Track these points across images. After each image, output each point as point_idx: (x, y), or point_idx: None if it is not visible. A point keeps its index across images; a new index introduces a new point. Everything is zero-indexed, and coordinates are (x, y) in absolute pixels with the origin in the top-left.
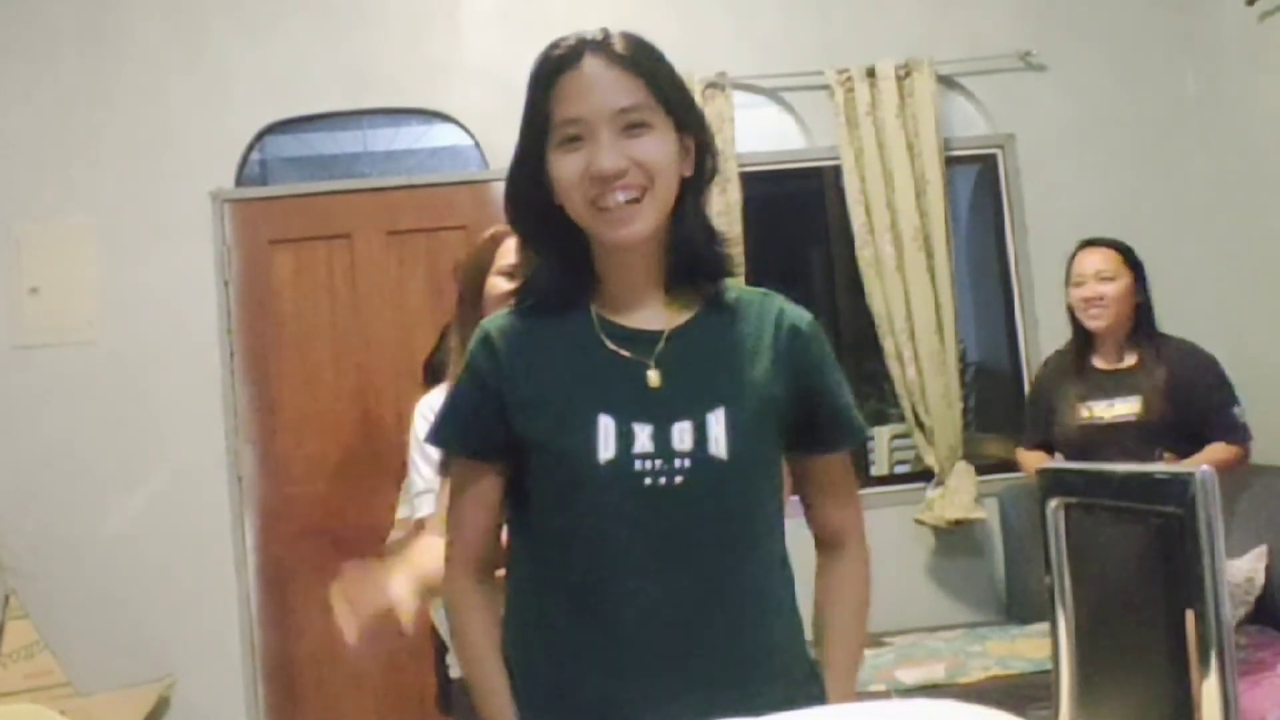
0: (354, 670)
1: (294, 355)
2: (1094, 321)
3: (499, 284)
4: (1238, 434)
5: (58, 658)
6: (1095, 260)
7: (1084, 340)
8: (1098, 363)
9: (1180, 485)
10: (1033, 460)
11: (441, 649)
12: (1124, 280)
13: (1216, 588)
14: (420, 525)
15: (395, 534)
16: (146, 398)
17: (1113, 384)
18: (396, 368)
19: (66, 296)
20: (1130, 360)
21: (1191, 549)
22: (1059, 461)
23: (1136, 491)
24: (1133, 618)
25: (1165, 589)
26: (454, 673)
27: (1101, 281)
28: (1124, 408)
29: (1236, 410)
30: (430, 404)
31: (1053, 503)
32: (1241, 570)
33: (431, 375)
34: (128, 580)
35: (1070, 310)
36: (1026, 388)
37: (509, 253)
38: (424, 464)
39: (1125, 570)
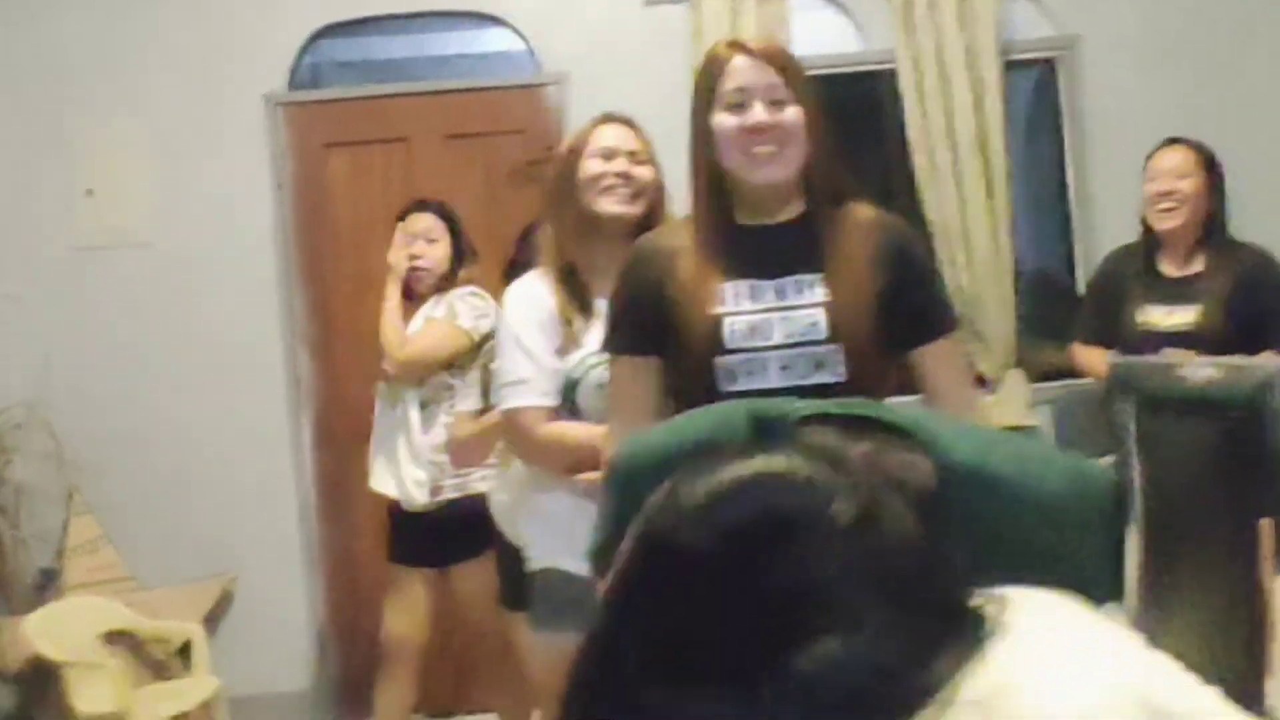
0: None
1: (349, 259)
2: (1164, 220)
3: (591, 166)
4: None
5: (121, 552)
6: (1174, 158)
7: (1153, 242)
8: (1163, 267)
9: (1250, 385)
10: (1094, 358)
11: (508, 548)
12: (1198, 179)
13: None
14: (512, 417)
15: (463, 427)
16: (203, 300)
17: (1174, 291)
18: None
19: (121, 199)
20: (1196, 268)
21: (1263, 450)
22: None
23: (1208, 391)
24: (1202, 518)
25: (1236, 490)
26: (532, 565)
27: (1177, 178)
28: (1181, 317)
29: None
30: (522, 294)
31: (1123, 401)
32: None
33: (516, 270)
34: (188, 477)
35: (1143, 211)
36: (1081, 296)
37: (603, 136)
38: (520, 355)
39: (1196, 470)
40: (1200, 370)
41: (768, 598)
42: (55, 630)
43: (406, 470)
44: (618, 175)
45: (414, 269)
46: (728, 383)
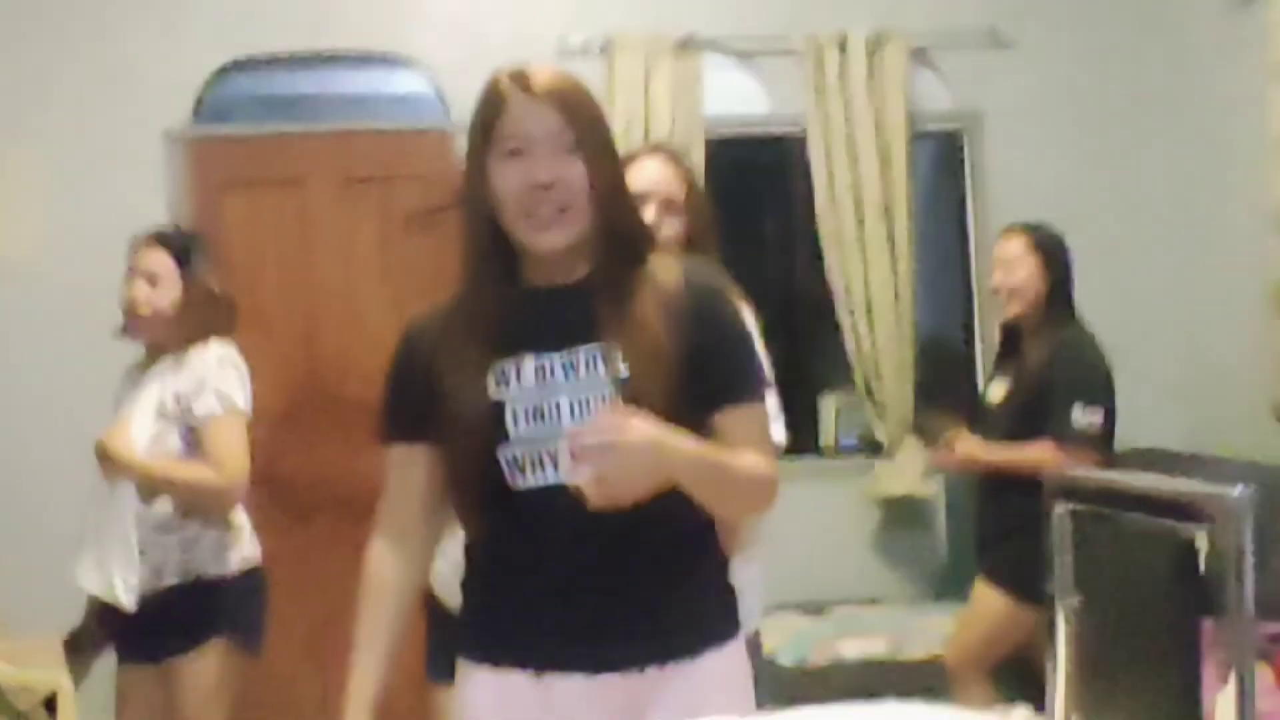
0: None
1: (242, 299)
2: (1004, 309)
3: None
4: (1067, 437)
5: None
6: (1007, 247)
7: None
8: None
9: (1213, 504)
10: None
11: (442, 619)
12: (1031, 265)
13: (1244, 605)
14: None
15: None
16: (89, 333)
17: (1002, 366)
18: (345, 316)
19: (12, 228)
20: (1029, 342)
21: (1221, 568)
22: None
23: (1158, 506)
24: (1142, 625)
25: (1182, 601)
26: None
27: (1008, 271)
28: (997, 392)
29: (1078, 412)
30: None
31: (1061, 507)
32: None
33: None
34: (56, 522)
35: None
36: (980, 366)
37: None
38: None
39: (1136, 578)
40: (1149, 487)
41: None
42: None
43: (118, 566)
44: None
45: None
46: (516, 477)
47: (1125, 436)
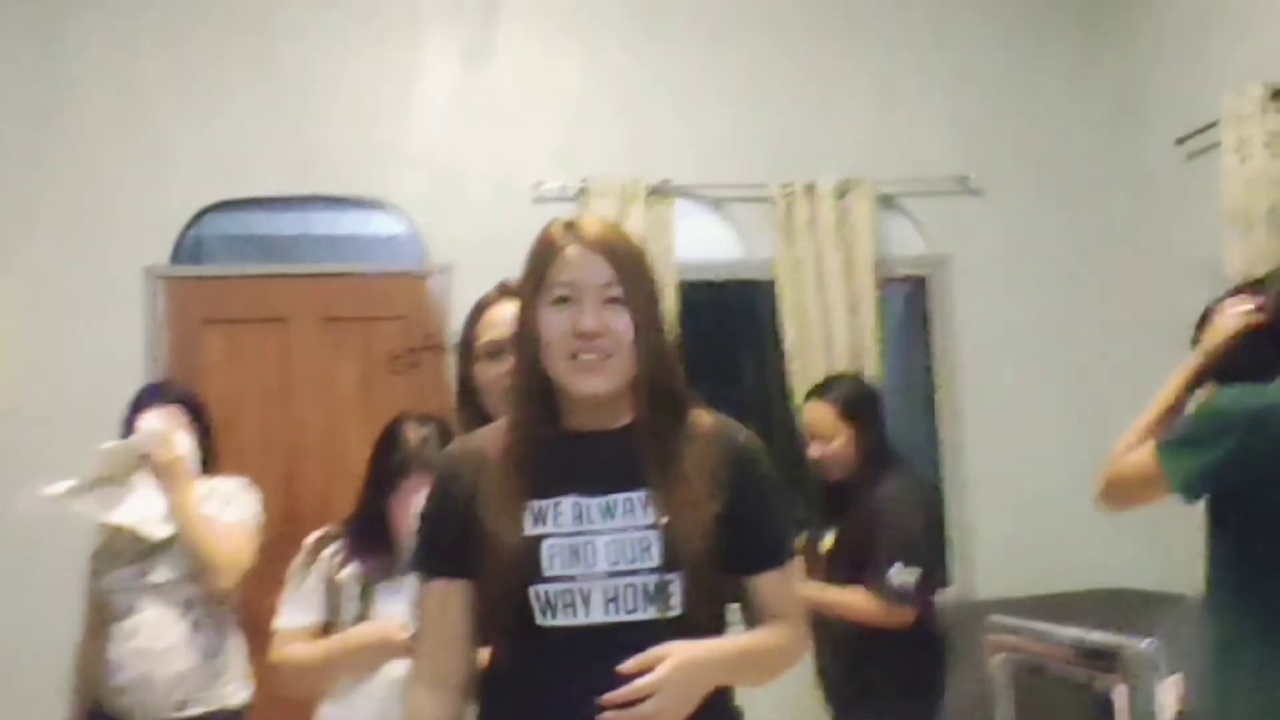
0: None
1: (221, 437)
2: (826, 475)
3: (486, 370)
4: (884, 593)
5: None
6: (813, 414)
7: None
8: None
9: (1118, 654)
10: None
11: None
12: (841, 436)
13: None
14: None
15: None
16: (66, 469)
17: (829, 519)
18: (325, 455)
19: None
20: (852, 498)
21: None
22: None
23: (1080, 656)
24: None
25: None
26: None
27: (815, 439)
28: (829, 540)
29: (895, 570)
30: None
31: (998, 656)
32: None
33: (396, 470)
34: (31, 662)
35: None
36: (949, 506)
37: (490, 327)
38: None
39: None
40: (1068, 636)
41: None
42: None
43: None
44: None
45: None
46: (546, 616)
47: (1097, 577)
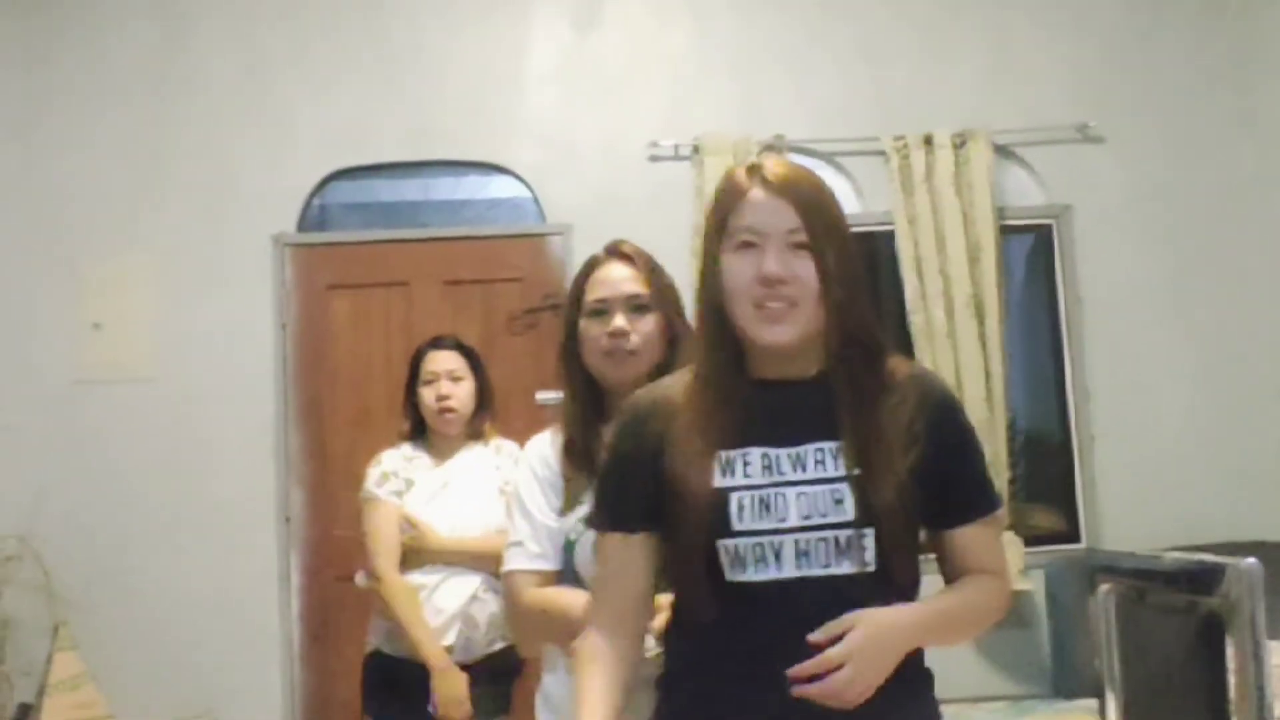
0: None
1: (347, 400)
2: None
3: (590, 327)
4: None
5: (102, 689)
6: None
7: None
8: None
9: (1219, 576)
10: None
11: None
12: None
13: (1260, 682)
14: (505, 581)
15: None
16: (201, 436)
17: None
18: None
19: (127, 333)
20: None
21: (1232, 641)
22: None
23: (1181, 580)
24: (1179, 704)
25: (1209, 677)
26: None
27: None
28: None
29: None
30: (533, 450)
31: (1103, 588)
32: None
33: None
34: (175, 615)
35: None
36: (1076, 459)
37: (598, 285)
38: (519, 516)
39: (1171, 656)
40: (1173, 560)
41: None
42: None
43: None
44: (612, 335)
45: (444, 410)
46: (735, 570)
47: (1225, 531)
